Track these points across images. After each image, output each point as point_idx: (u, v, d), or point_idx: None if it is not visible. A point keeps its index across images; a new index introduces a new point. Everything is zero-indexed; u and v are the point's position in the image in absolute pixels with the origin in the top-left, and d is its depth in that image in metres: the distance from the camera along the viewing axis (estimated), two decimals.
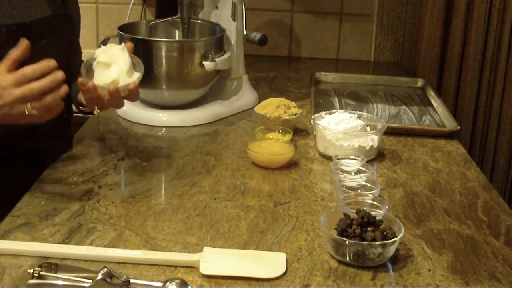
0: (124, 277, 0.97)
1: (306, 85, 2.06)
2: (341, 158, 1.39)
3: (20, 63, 1.30)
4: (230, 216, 1.20)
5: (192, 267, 1.02)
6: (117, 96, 1.25)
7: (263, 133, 1.53)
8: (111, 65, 1.24)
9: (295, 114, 1.59)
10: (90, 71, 1.27)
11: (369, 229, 1.06)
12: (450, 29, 2.20)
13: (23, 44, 1.16)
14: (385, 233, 1.05)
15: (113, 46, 1.28)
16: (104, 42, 1.69)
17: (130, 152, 1.48)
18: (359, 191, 1.26)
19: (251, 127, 1.66)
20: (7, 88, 1.11)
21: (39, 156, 1.41)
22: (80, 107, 1.45)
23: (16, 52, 1.15)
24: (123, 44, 1.29)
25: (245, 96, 1.81)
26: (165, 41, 1.69)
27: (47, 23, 1.36)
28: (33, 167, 1.37)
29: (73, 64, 1.49)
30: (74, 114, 1.56)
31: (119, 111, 1.71)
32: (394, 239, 1.04)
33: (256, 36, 1.74)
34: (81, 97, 1.38)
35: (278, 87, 2.04)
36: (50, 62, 1.13)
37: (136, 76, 1.27)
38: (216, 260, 1.03)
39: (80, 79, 1.26)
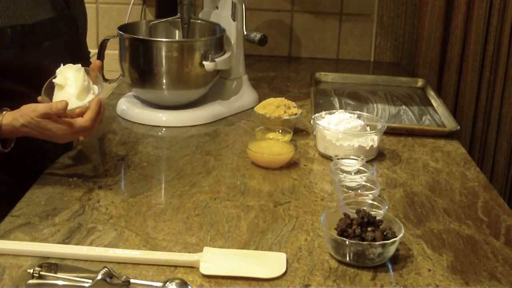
0: (124, 277, 0.97)
1: (306, 85, 2.06)
2: (341, 158, 1.39)
3: (24, 66, 1.30)
4: (230, 216, 1.20)
5: (192, 267, 1.02)
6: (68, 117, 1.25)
7: (263, 133, 1.53)
8: (65, 87, 1.26)
9: (295, 114, 1.59)
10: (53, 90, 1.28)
11: (369, 229, 1.06)
12: (450, 29, 2.20)
13: (64, 103, 1.20)
14: (385, 233, 1.05)
15: (70, 66, 1.28)
16: (104, 42, 1.70)
17: (130, 152, 1.48)
18: (359, 191, 1.26)
19: (251, 127, 1.66)
20: (64, 135, 1.22)
21: (39, 156, 1.41)
22: None
23: (56, 107, 1.19)
24: (79, 65, 1.28)
25: (245, 96, 1.81)
26: (165, 41, 1.69)
27: (50, 24, 1.36)
28: (33, 167, 1.37)
29: None
30: None
31: (119, 111, 1.71)
32: (394, 239, 1.04)
33: (256, 36, 1.74)
34: None
35: (278, 87, 2.04)
36: (98, 101, 1.24)
37: (88, 99, 1.26)
38: (216, 260, 1.03)
39: (38, 98, 1.27)
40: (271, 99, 1.63)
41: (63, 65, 1.28)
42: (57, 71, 1.28)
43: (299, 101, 1.80)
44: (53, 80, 1.27)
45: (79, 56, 1.54)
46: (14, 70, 1.30)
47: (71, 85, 1.26)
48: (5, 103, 1.31)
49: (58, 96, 1.26)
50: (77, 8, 1.48)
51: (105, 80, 1.65)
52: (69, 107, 1.23)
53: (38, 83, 1.33)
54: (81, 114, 1.24)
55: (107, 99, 1.83)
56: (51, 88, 1.28)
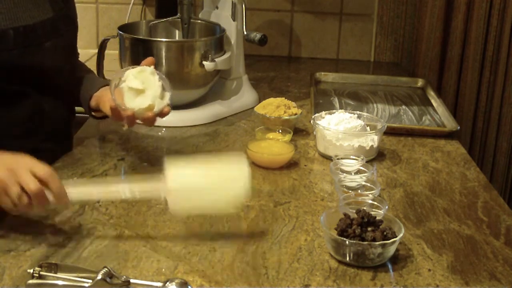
0: (124, 277, 0.97)
1: (306, 85, 2.06)
2: (341, 158, 1.39)
3: (27, 67, 1.30)
4: (230, 216, 1.20)
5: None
6: (152, 119, 1.27)
7: (263, 133, 1.53)
8: (145, 91, 1.25)
9: (295, 114, 1.59)
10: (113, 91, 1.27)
11: (369, 229, 1.06)
12: (450, 29, 2.20)
13: None
14: (385, 233, 1.05)
15: (144, 70, 1.27)
16: (104, 42, 1.69)
17: (130, 152, 1.48)
18: (359, 191, 1.26)
19: (251, 127, 1.66)
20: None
21: (39, 156, 1.41)
22: (93, 113, 1.46)
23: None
24: (152, 67, 1.28)
25: (245, 96, 1.81)
26: (165, 41, 1.69)
27: (50, 24, 1.36)
28: None
29: (74, 66, 1.49)
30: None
31: None
32: (394, 239, 1.04)
33: (256, 36, 1.74)
34: (97, 104, 1.40)
35: (278, 87, 2.04)
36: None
37: (167, 97, 1.27)
38: (182, 198, 1.05)
39: (113, 105, 1.26)
40: (271, 99, 1.63)
41: (122, 69, 1.27)
42: (127, 74, 1.26)
43: (299, 101, 1.80)
44: (129, 84, 1.24)
45: (75, 55, 1.54)
46: (18, 71, 1.30)
47: (151, 88, 1.25)
48: (8, 104, 1.31)
49: (139, 99, 1.25)
50: (73, 8, 1.48)
51: None
52: (156, 108, 1.25)
53: (40, 83, 1.33)
54: (167, 112, 1.27)
55: None
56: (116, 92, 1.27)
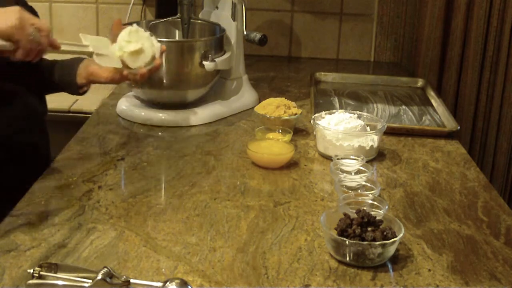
0: (124, 277, 0.97)
1: (306, 85, 2.06)
2: (341, 158, 1.39)
3: (8, 64, 1.30)
4: (230, 216, 1.20)
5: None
6: (159, 64, 1.40)
7: (263, 133, 1.53)
8: (141, 47, 1.36)
9: (295, 114, 1.59)
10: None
11: (369, 229, 1.06)
12: (450, 29, 2.20)
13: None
14: (385, 233, 1.05)
15: (130, 31, 1.37)
16: None
17: (130, 152, 1.48)
18: (359, 191, 1.26)
19: (251, 127, 1.66)
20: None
21: (39, 156, 1.41)
22: (79, 90, 1.50)
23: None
24: (134, 25, 1.40)
25: (245, 96, 1.81)
26: (165, 41, 1.68)
27: None
28: (33, 167, 1.37)
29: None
30: (49, 113, 1.54)
31: (119, 111, 1.71)
32: (394, 239, 1.04)
33: (256, 36, 1.74)
34: (87, 80, 1.46)
35: (278, 87, 2.04)
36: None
37: (155, 41, 1.40)
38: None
39: (125, 73, 1.38)
40: (271, 99, 1.63)
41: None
42: (119, 42, 1.36)
43: (299, 101, 1.80)
44: (129, 50, 1.35)
45: None
46: (1, 68, 1.30)
47: (144, 41, 1.37)
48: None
49: (142, 56, 1.37)
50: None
51: None
52: (157, 54, 1.39)
53: (25, 79, 1.34)
54: (164, 49, 1.42)
55: (107, 99, 1.84)
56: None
